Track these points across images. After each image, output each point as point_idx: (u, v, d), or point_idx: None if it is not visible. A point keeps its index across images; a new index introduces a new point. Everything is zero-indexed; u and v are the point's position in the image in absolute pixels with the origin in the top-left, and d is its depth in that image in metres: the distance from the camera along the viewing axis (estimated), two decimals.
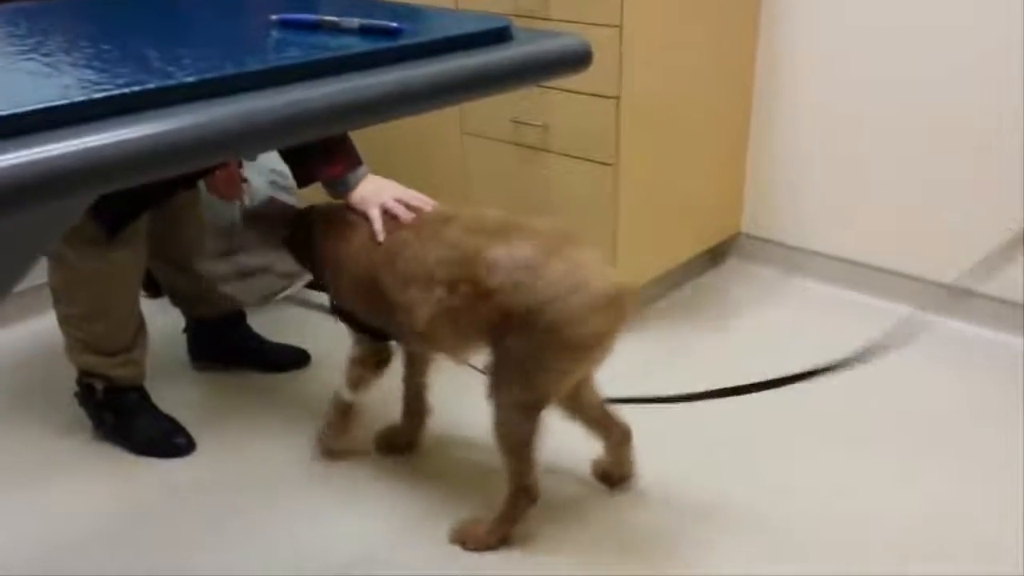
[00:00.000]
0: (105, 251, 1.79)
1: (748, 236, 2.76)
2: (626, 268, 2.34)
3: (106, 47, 0.88)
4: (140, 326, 1.94)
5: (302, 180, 1.78)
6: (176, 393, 2.10)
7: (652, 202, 2.36)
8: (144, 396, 1.98)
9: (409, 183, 1.79)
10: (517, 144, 2.37)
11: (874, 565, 1.60)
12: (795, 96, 2.53)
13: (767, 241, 2.72)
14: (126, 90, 0.72)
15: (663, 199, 2.40)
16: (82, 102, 0.69)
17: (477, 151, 2.47)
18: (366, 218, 1.66)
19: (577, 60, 1.02)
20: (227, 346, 2.23)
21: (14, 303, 2.44)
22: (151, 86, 0.74)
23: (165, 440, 1.95)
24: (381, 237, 1.61)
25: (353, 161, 1.72)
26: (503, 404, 1.53)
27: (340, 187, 1.70)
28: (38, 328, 2.41)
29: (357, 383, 1.79)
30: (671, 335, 2.37)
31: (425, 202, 1.67)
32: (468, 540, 1.64)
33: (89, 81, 0.74)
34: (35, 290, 2.47)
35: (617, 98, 2.14)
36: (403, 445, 1.91)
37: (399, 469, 1.88)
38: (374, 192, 1.67)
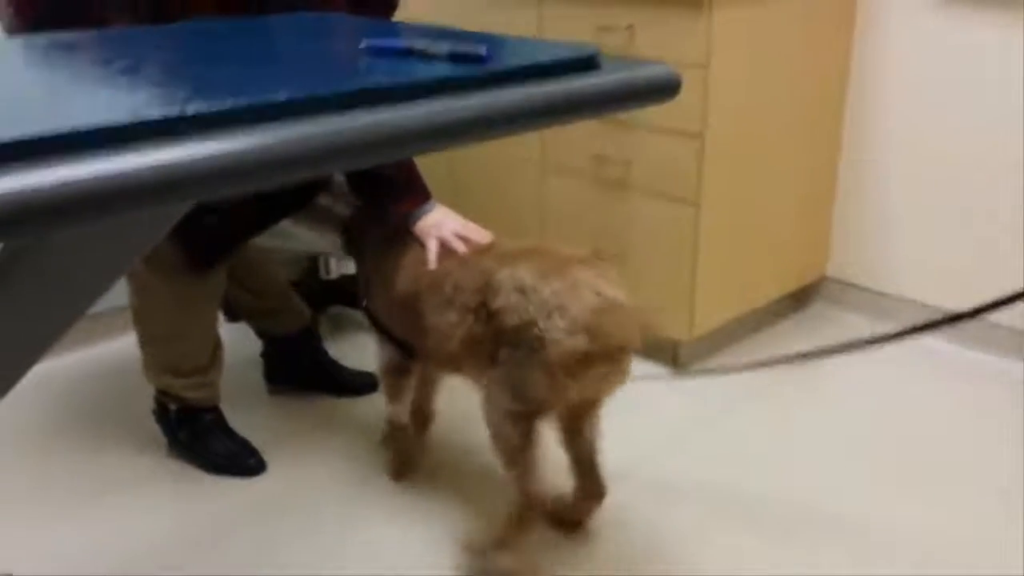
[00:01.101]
0: (189, 278, 1.82)
1: (834, 280, 2.68)
2: (705, 309, 2.29)
3: (200, 69, 0.90)
4: (216, 348, 1.96)
5: (375, 220, 1.82)
6: (250, 415, 2.13)
7: (734, 242, 2.31)
8: (218, 417, 2.01)
9: (489, 218, 1.81)
10: (598, 181, 2.35)
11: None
12: (886, 136, 2.46)
13: (854, 286, 2.64)
14: (218, 108, 0.73)
15: (746, 240, 2.35)
16: (176, 117, 0.70)
17: (557, 188, 2.46)
18: (420, 243, 1.70)
19: (665, 89, 1.00)
20: (302, 369, 2.25)
21: (98, 323, 2.51)
22: (243, 104, 0.74)
23: (237, 461, 1.97)
24: (433, 266, 1.65)
25: (421, 198, 1.74)
26: (494, 413, 1.56)
27: (407, 218, 1.73)
28: (119, 347, 2.48)
29: (392, 393, 1.86)
30: (750, 378, 2.30)
31: (483, 235, 1.69)
32: (478, 551, 1.64)
33: (182, 98, 0.75)
34: (117, 311, 2.55)
35: (701, 136, 2.10)
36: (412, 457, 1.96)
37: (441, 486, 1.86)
38: (435, 224, 1.70)
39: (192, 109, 0.71)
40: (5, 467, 1.99)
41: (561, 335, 1.45)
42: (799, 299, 2.68)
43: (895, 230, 2.51)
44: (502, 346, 1.53)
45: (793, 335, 2.54)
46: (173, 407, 1.96)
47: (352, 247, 1.90)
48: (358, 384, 2.26)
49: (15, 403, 2.23)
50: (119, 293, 2.43)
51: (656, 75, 0.99)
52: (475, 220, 2.69)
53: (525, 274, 1.52)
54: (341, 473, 1.95)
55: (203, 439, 1.98)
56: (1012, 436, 2.04)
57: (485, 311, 1.55)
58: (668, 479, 1.92)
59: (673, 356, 2.38)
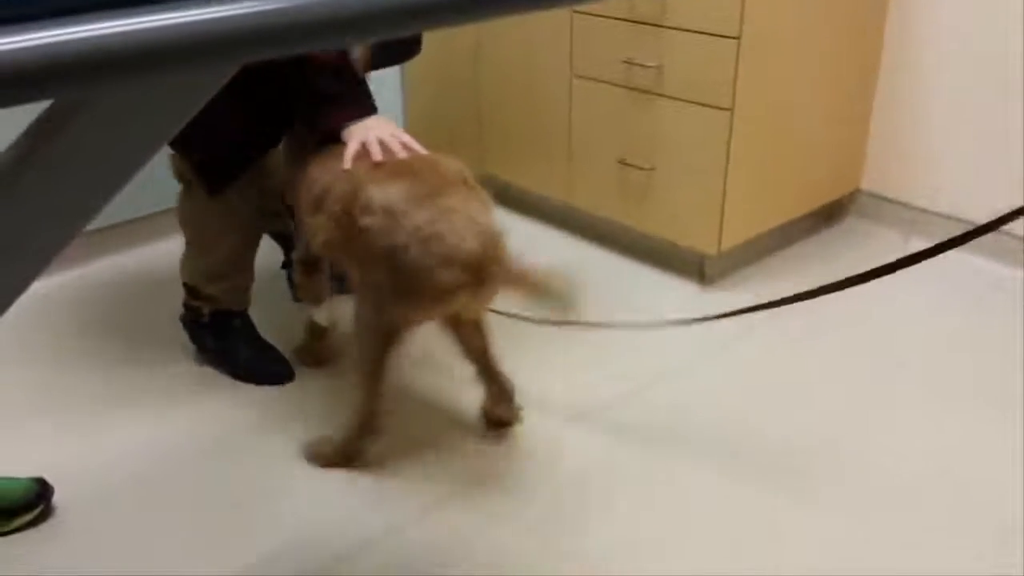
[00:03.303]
0: (206, 195, 1.84)
1: (868, 194, 2.62)
2: (734, 222, 2.24)
3: None
4: (248, 255, 1.95)
5: (314, 129, 1.75)
6: (280, 326, 2.12)
7: (767, 152, 2.25)
8: (247, 323, 2.00)
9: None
10: (628, 87, 2.28)
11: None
12: (928, 42, 2.37)
13: (888, 200, 2.57)
14: None
15: (779, 149, 2.29)
16: None
17: (586, 93, 2.40)
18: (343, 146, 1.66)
19: None
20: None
21: (118, 233, 2.51)
22: None
23: (265, 367, 1.97)
24: (347, 165, 1.62)
25: (366, 111, 1.70)
26: (358, 324, 1.60)
27: (343, 128, 1.68)
28: (142, 256, 2.49)
29: (302, 285, 1.92)
30: (775, 294, 2.25)
31: (408, 147, 1.65)
32: (317, 458, 1.70)
33: None
34: (138, 220, 2.54)
35: (738, 38, 2.03)
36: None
37: None
38: (363, 128, 1.66)
39: None
40: (34, 375, 2.01)
41: (434, 264, 1.45)
42: (831, 213, 2.62)
43: (934, 142, 2.44)
44: (370, 262, 1.53)
45: (824, 252, 2.49)
46: (207, 310, 1.96)
47: (289, 152, 1.87)
48: None
49: (45, 311, 2.25)
50: (137, 204, 2.43)
51: None
52: (500, 130, 2.65)
53: (396, 196, 1.50)
54: None
55: (232, 345, 1.98)
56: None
57: (348, 220, 1.55)
58: (680, 400, 1.91)
59: (700, 270, 2.35)
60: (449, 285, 1.47)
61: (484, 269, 1.48)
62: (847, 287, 1.60)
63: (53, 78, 0.56)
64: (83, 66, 0.57)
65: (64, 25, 0.57)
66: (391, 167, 1.58)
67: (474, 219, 1.49)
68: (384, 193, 1.52)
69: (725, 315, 1.83)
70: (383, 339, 1.58)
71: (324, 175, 1.64)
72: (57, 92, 0.58)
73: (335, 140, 1.68)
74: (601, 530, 1.54)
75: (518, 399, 1.79)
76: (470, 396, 1.82)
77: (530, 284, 1.54)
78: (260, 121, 1.81)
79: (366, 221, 1.51)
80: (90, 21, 0.58)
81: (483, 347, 1.71)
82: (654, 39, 2.18)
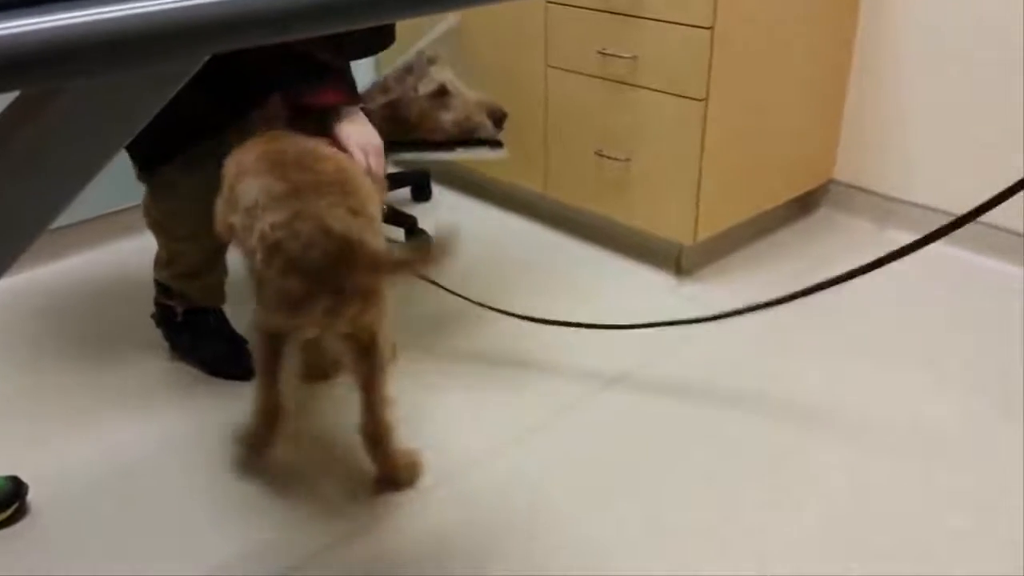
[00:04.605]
0: (172, 184, 1.77)
1: (841, 184, 2.63)
2: (709, 212, 2.25)
3: None
4: (216, 253, 1.92)
5: (291, 105, 1.66)
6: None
7: (741, 142, 2.26)
8: (221, 318, 1.98)
9: None
10: (603, 78, 2.28)
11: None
12: (900, 35, 2.38)
13: (861, 190, 2.59)
14: None
15: (753, 140, 2.30)
16: None
17: (561, 84, 2.39)
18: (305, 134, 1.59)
19: None
20: None
21: (89, 229, 2.47)
22: None
23: (240, 362, 1.94)
24: (378, 178, 1.59)
25: (353, 96, 1.66)
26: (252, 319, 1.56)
27: (331, 116, 1.63)
28: (111, 254, 2.46)
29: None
30: (749, 285, 2.27)
31: (377, 159, 1.63)
32: (236, 443, 1.67)
33: None
34: (104, 217, 2.51)
35: (711, 28, 2.03)
36: None
37: None
38: (364, 134, 1.63)
39: None
40: (4, 373, 1.98)
41: (274, 272, 1.39)
42: (805, 203, 2.63)
43: (906, 132, 2.45)
44: (247, 260, 1.50)
45: (798, 242, 2.51)
46: (180, 308, 1.93)
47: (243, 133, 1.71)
48: None
49: (15, 308, 2.21)
50: (103, 201, 2.40)
51: None
52: None
53: (257, 193, 1.43)
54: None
55: (206, 342, 1.96)
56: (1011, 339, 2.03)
57: (226, 211, 1.51)
58: (663, 385, 1.92)
59: (676, 261, 2.35)
60: (294, 295, 1.38)
61: (332, 281, 1.37)
62: (838, 283, 1.61)
63: (22, 68, 0.55)
64: (52, 56, 0.56)
65: (31, 15, 0.56)
66: (274, 156, 1.49)
67: (327, 226, 1.37)
68: (249, 189, 1.45)
69: (715, 317, 1.82)
70: (262, 339, 1.53)
71: (242, 156, 1.55)
72: (26, 83, 0.57)
73: (308, 116, 1.61)
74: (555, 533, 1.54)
75: (411, 446, 1.63)
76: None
77: (406, 268, 1.46)
78: (215, 93, 1.63)
79: (233, 218, 1.48)
80: (58, 10, 0.57)
81: (368, 376, 1.54)
82: (629, 29, 2.18)
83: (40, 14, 0.56)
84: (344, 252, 1.37)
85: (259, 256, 1.40)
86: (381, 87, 1.86)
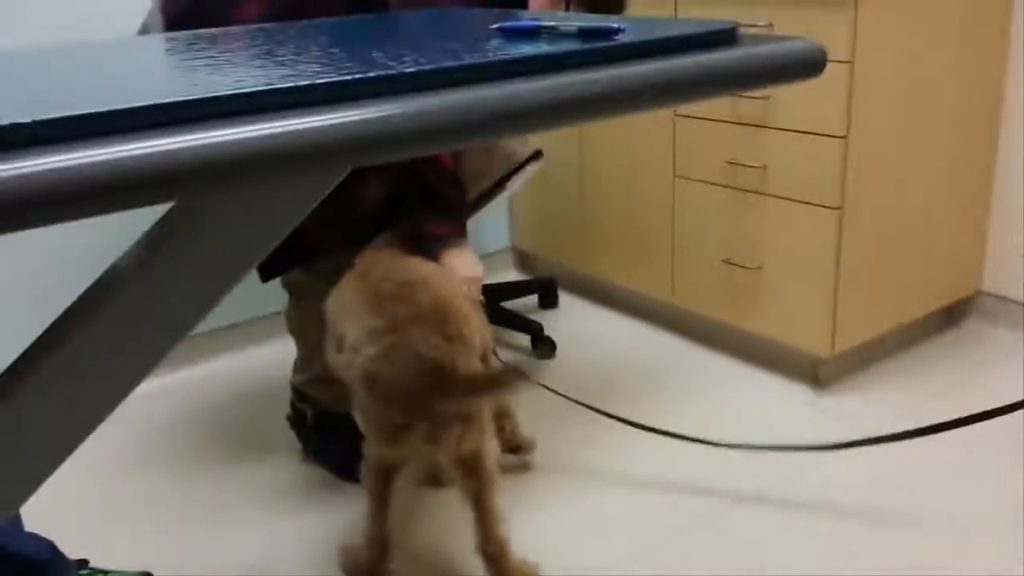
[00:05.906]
0: (305, 290, 1.87)
1: (989, 295, 2.49)
2: (847, 324, 2.16)
3: (333, 50, 0.90)
4: None
5: (411, 228, 1.74)
6: None
7: (880, 252, 2.18)
8: (352, 425, 2.02)
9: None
10: (732, 187, 2.27)
11: None
12: None
13: (1012, 301, 2.44)
14: (347, 77, 0.72)
15: (893, 250, 2.21)
16: (306, 86, 0.70)
17: (689, 194, 2.40)
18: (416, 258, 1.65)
19: (809, 64, 0.93)
20: None
21: (226, 335, 2.60)
22: (371, 75, 0.74)
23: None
24: (476, 302, 1.62)
25: (462, 229, 1.72)
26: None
27: (436, 245, 1.70)
28: (247, 360, 2.56)
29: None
30: (895, 398, 2.15)
31: (477, 287, 1.68)
32: (344, 568, 1.66)
33: (313, 72, 0.75)
34: (239, 324, 2.64)
35: (845, 138, 2.00)
36: None
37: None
38: (468, 265, 1.69)
39: (321, 79, 0.71)
40: (143, 474, 2.07)
41: (372, 404, 1.42)
42: (952, 315, 2.50)
43: None
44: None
45: (944, 355, 2.37)
46: (310, 412, 2.00)
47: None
48: None
49: (152, 412, 2.33)
50: (232, 310, 2.53)
51: (798, 49, 0.93)
52: (604, 228, 2.66)
53: (362, 330, 1.46)
54: None
55: (335, 446, 2.00)
56: None
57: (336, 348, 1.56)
58: (800, 501, 1.82)
59: (813, 374, 2.26)
60: (393, 423, 1.43)
61: (428, 406, 1.40)
62: (1000, 415, 1.53)
63: (181, 181, 0.60)
64: (205, 170, 0.61)
65: (189, 131, 0.61)
66: (372, 293, 1.51)
67: (419, 352, 1.40)
68: (350, 328, 1.50)
69: (856, 443, 1.74)
70: (371, 471, 1.56)
71: (341, 295, 1.61)
72: (181, 195, 0.61)
73: (417, 245, 1.70)
74: None
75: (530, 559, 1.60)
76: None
77: (488, 390, 1.44)
78: (345, 211, 1.73)
79: (339, 359, 1.53)
80: (209, 128, 0.62)
81: (477, 493, 1.52)
82: (758, 140, 2.17)
83: (197, 131, 0.61)
84: (436, 377, 1.40)
85: (360, 389, 1.46)
86: None
